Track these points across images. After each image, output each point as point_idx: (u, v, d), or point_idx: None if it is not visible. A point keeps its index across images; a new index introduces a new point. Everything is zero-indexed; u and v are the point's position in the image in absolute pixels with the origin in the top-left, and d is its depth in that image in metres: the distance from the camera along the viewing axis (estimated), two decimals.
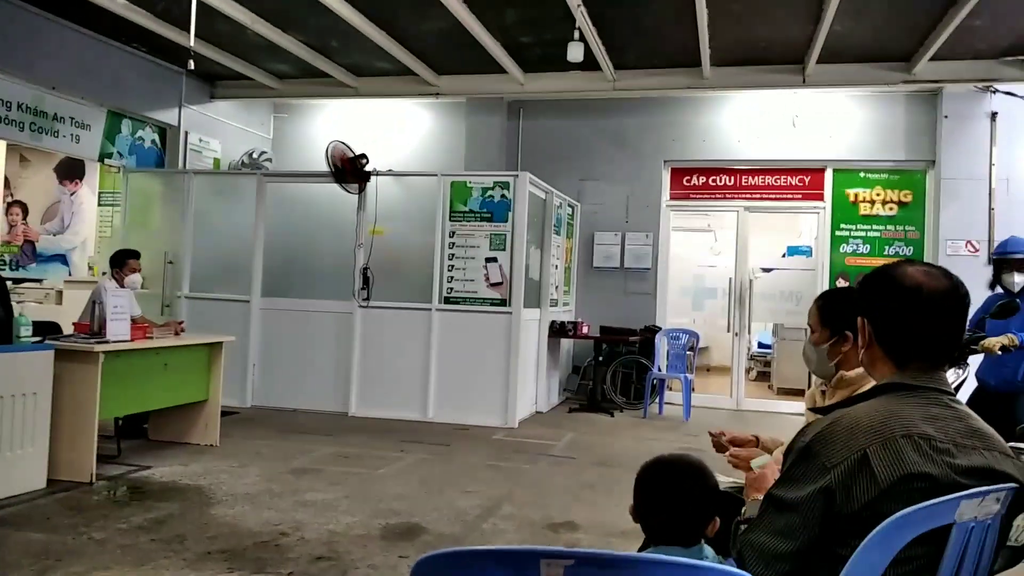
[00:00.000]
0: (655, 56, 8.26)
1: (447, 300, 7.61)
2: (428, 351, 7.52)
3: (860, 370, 2.34)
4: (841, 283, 8.75)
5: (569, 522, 4.42)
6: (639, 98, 9.26)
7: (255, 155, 9.97)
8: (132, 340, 5.18)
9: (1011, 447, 2.26)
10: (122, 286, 6.00)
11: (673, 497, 1.91)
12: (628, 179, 9.56)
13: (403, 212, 8.24)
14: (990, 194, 8.26)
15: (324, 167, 7.79)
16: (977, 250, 8.27)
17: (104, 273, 6.41)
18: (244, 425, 6.89)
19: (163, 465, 5.32)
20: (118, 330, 5.07)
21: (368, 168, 7.85)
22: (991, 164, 8.27)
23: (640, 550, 1.91)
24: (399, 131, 10.11)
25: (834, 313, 2.53)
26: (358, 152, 7.87)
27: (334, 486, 4.99)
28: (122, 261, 6.23)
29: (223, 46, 8.38)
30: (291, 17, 7.51)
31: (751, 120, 9.28)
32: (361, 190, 7.86)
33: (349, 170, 7.77)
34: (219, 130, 9.83)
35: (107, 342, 4.93)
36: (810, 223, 9.93)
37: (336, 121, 10.22)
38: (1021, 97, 8.16)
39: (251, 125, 10.41)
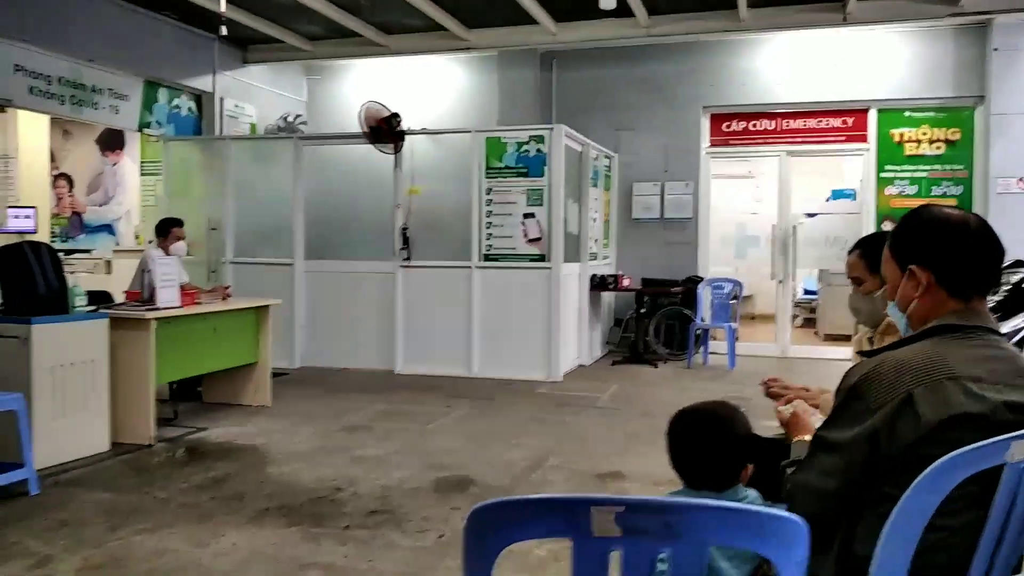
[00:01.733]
0: None
1: (486, 257, 7.63)
2: (470, 308, 7.58)
3: None
4: (888, 226, 8.56)
5: (616, 472, 4.47)
6: (674, 43, 9.06)
7: (290, 119, 10.01)
8: (182, 306, 5.30)
9: None
10: (168, 254, 6.12)
11: (701, 445, 1.96)
12: (665, 127, 9.41)
13: (439, 170, 8.24)
14: None
15: (359, 128, 7.81)
16: None
17: (150, 242, 6.55)
18: (294, 386, 7.05)
19: (218, 426, 5.49)
20: (168, 297, 5.20)
21: (402, 127, 7.85)
22: None
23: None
24: (432, 88, 10.05)
25: (877, 257, 2.50)
26: (391, 112, 7.86)
27: (384, 442, 5.10)
28: (167, 229, 6.35)
29: (254, 10, 8.38)
30: None
31: (791, 62, 9.04)
32: (396, 150, 7.87)
33: (384, 130, 7.78)
34: (254, 95, 9.89)
35: (158, 309, 5.06)
36: (854, 166, 9.72)
37: (369, 81, 10.19)
38: None
39: (285, 89, 10.44)
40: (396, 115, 7.80)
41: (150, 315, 4.93)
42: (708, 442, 1.94)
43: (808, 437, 2.01)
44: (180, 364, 5.45)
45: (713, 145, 9.47)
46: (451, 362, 7.62)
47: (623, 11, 7.89)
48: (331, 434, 5.31)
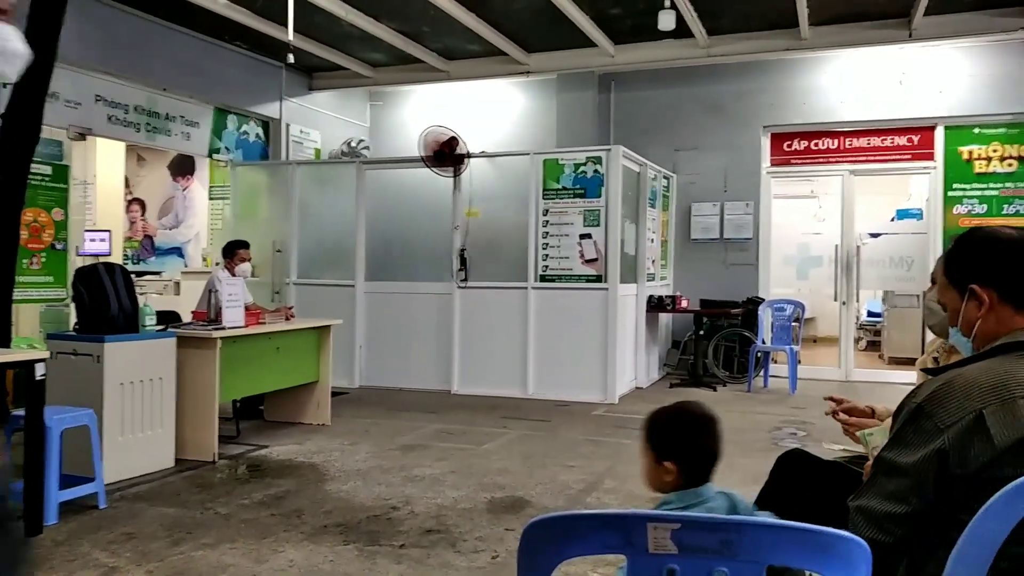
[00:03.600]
0: (750, 19, 8.00)
1: (543, 278, 7.65)
2: (526, 329, 7.59)
3: None
4: (1008, 229, 8.29)
5: None
6: (734, 63, 9.00)
7: (353, 143, 10.24)
8: (246, 326, 5.44)
9: None
10: (234, 275, 6.29)
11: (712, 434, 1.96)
12: (725, 147, 9.33)
13: (497, 193, 8.31)
14: None
15: (419, 152, 7.94)
16: None
17: (217, 263, 6.76)
18: (353, 405, 7.15)
19: (279, 444, 5.59)
20: (233, 317, 5.34)
21: (461, 151, 7.95)
22: None
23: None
24: (491, 112, 10.17)
25: None
26: (451, 135, 7.97)
27: (440, 461, 5.12)
28: (233, 251, 6.53)
29: (319, 38, 8.63)
30: (384, 6, 7.66)
31: (854, 79, 8.88)
32: (456, 173, 7.97)
33: (445, 154, 7.89)
34: (318, 121, 10.15)
35: (223, 328, 5.19)
36: (920, 184, 9.46)
37: (429, 106, 10.36)
38: None
39: (348, 114, 10.69)
40: (454, 139, 7.91)
41: (216, 334, 5.07)
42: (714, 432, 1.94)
43: None
44: (243, 382, 5.58)
45: (774, 164, 9.35)
46: (507, 383, 7.64)
47: (682, 32, 7.88)
48: (388, 453, 5.35)
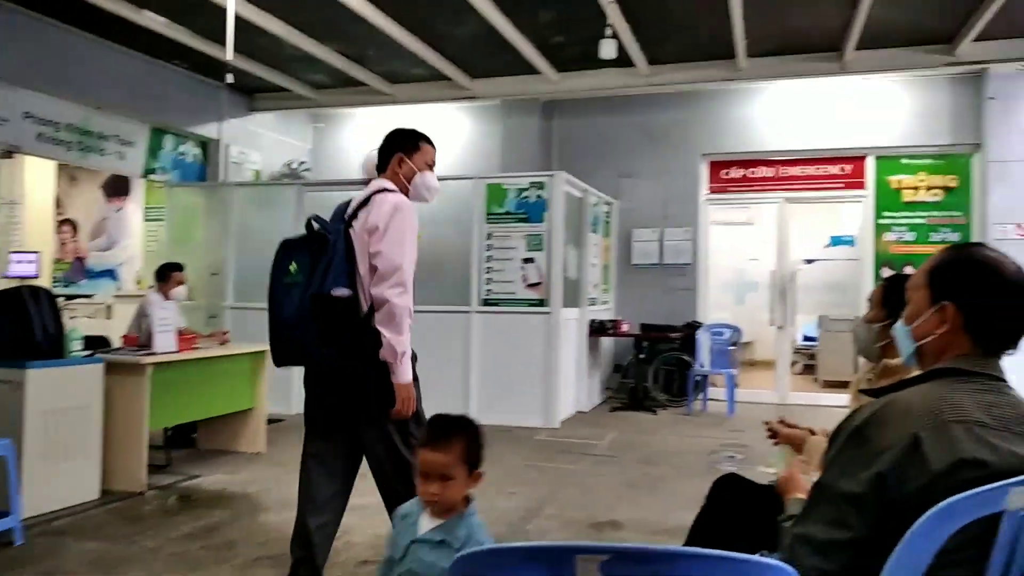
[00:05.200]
0: (689, 49, 8.18)
1: (485, 302, 7.63)
2: (468, 353, 7.55)
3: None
4: (887, 272, 8.56)
5: (613, 521, 4.40)
6: (675, 92, 9.18)
7: (294, 165, 10.12)
8: (179, 351, 5.28)
9: None
10: (168, 299, 6.13)
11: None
12: (665, 174, 9.49)
13: (440, 216, 8.26)
14: None
15: (361, 175, 7.87)
16: None
17: (151, 287, 6.56)
18: (291, 432, 6.97)
19: (212, 473, 5.42)
20: (165, 342, 5.18)
21: None
22: None
23: None
24: (435, 136, 10.07)
25: (896, 297, 2.47)
26: None
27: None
28: (167, 274, 6.36)
29: (261, 59, 8.53)
30: (327, 28, 7.60)
31: (789, 110, 9.15)
32: None
33: None
34: (259, 142, 10.01)
35: (154, 354, 5.04)
36: (853, 212, 9.75)
37: (373, 128, 10.29)
38: None
39: (290, 136, 10.57)
40: None
41: (146, 360, 4.91)
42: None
43: (800, 493, 1.96)
44: (175, 410, 5.41)
45: (712, 192, 9.54)
46: (447, 408, 7.31)
47: (624, 61, 8.02)
48: None
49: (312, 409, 3.14)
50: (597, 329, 8.56)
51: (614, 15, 6.81)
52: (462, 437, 2.03)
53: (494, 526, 4.28)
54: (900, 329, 1.82)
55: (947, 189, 8.70)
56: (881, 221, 8.91)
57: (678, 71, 8.58)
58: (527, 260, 7.57)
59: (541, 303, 7.48)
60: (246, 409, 6.09)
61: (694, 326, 8.91)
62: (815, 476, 2.15)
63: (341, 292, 2.80)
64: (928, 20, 7.27)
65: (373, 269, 2.84)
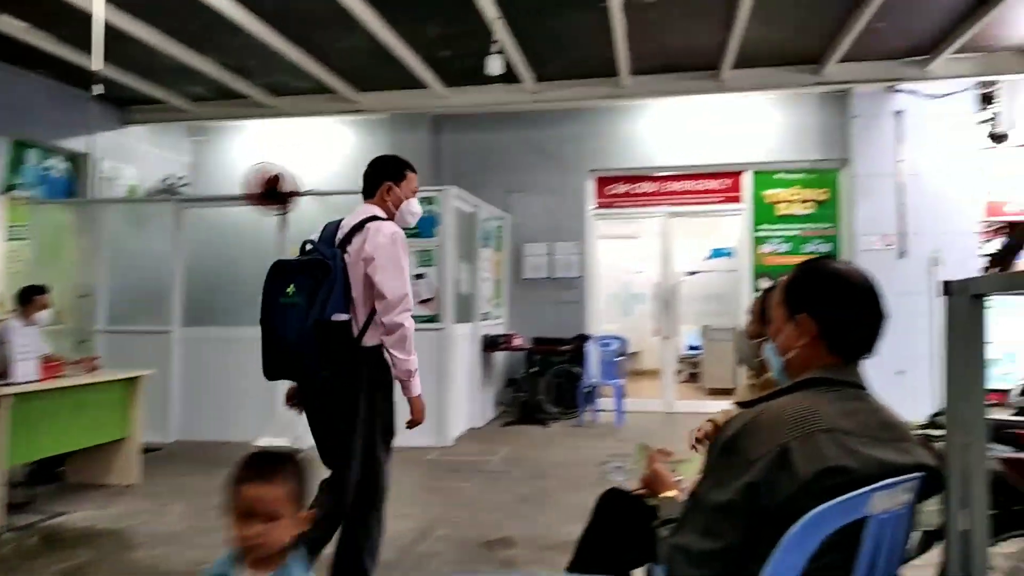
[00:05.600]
0: (575, 67, 8.32)
1: None
2: None
3: None
4: (764, 282, 8.94)
5: (504, 538, 4.37)
6: (562, 109, 9.33)
7: (172, 181, 9.68)
8: (41, 380, 4.93)
9: (922, 434, 2.32)
10: (29, 324, 5.71)
11: None
12: (554, 189, 9.62)
13: None
14: (900, 190, 8.56)
15: (244, 190, 7.60)
16: (890, 244, 8.55)
17: (12, 311, 6.10)
18: (167, 462, 6.63)
19: (79, 509, 5.06)
20: (25, 370, 4.82)
21: (289, 188, 7.68)
22: (899, 161, 8.58)
23: None
24: (322, 150, 9.96)
25: None
26: (278, 173, 7.69)
27: None
28: (29, 297, 5.94)
29: (134, 69, 8.12)
30: (204, 38, 7.31)
31: (671, 127, 9.44)
32: (283, 212, 7.69)
33: (274, 192, 7.60)
34: (134, 156, 9.52)
35: (14, 384, 4.67)
36: (732, 225, 10.15)
37: (257, 142, 10.01)
38: (923, 95, 8.50)
39: (167, 149, 10.12)
40: (277, 177, 7.62)
41: (5, 390, 4.55)
42: None
43: (673, 492, 1.99)
44: (38, 443, 5.02)
45: (599, 207, 9.73)
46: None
47: (512, 77, 8.07)
48: (204, 513, 4.97)
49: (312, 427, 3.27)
50: (490, 344, 8.55)
51: (500, 31, 6.86)
52: (291, 471, 1.81)
53: (385, 550, 4.17)
54: (769, 347, 1.89)
55: (818, 202, 9.18)
56: (758, 233, 9.31)
57: (564, 88, 8.72)
58: (418, 276, 7.48)
59: (433, 319, 7.41)
60: (118, 439, 5.73)
61: (583, 338, 9.04)
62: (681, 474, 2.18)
63: (340, 317, 3.00)
64: (797, 42, 7.66)
65: (371, 295, 3.05)
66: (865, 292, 1.74)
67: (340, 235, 3.14)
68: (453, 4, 6.51)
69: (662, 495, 2.01)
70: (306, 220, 7.80)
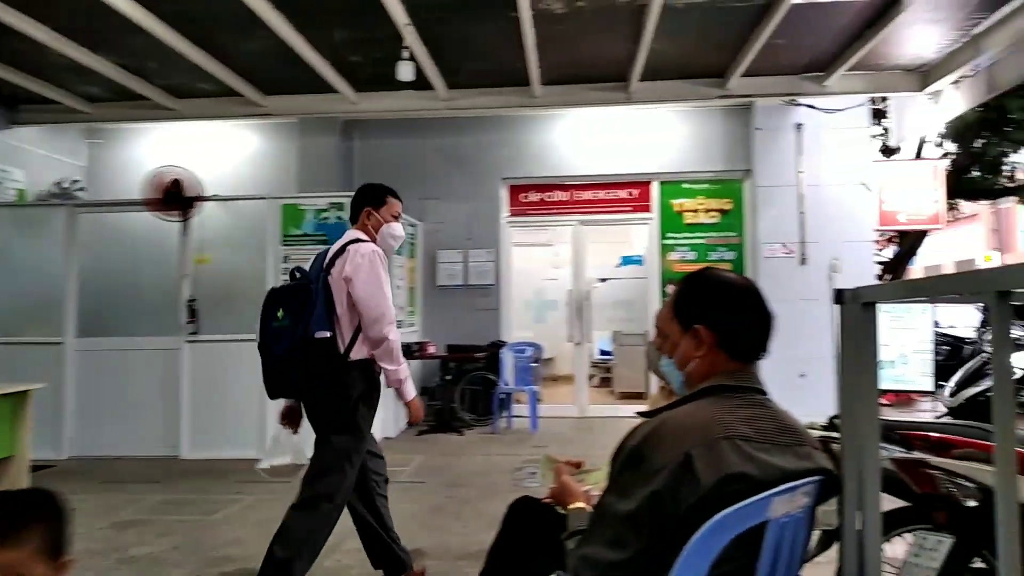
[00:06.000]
0: (488, 75, 8.33)
1: None
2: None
3: None
4: (672, 289, 9.14)
5: (416, 550, 4.30)
6: (475, 116, 9.33)
7: (65, 184, 9.22)
8: None
9: (821, 436, 2.39)
10: None
11: None
12: (468, 197, 9.60)
13: (233, 238, 7.86)
14: (799, 199, 8.90)
15: (145, 195, 7.30)
16: (791, 252, 8.88)
17: None
18: (59, 479, 6.28)
19: None
20: None
21: (191, 193, 7.43)
22: (799, 172, 8.92)
23: None
24: (228, 154, 9.67)
25: None
26: (180, 177, 7.42)
27: (163, 537, 4.63)
28: None
29: (22, 67, 7.70)
30: (100, 37, 6.99)
31: (583, 136, 9.57)
32: (185, 218, 7.42)
33: (175, 196, 7.32)
34: (23, 159, 9.02)
35: None
36: (641, 234, 10.35)
37: (159, 145, 9.64)
38: (821, 110, 8.87)
39: (61, 152, 9.63)
40: (177, 181, 7.36)
41: None
42: None
43: (581, 504, 1.99)
44: None
45: (513, 214, 9.76)
46: (245, 443, 7.13)
47: (424, 84, 8.02)
48: (98, 533, 4.73)
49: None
50: (404, 352, 8.43)
51: (411, 38, 6.80)
52: (38, 520, 1.57)
53: None
54: (665, 364, 1.92)
55: (723, 212, 9.46)
56: (666, 241, 9.52)
57: (476, 96, 8.72)
58: None
59: None
60: (4, 457, 5.38)
61: (498, 345, 9.05)
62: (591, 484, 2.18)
63: (323, 335, 3.33)
64: (702, 56, 7.87)
65: (355, 313, 3.34)
66: (752, 296, 1.83)
67: (326, 260, 3.43)
68: (362, 9, 6.42)
69: (570, 507, 2.01)
70: (210, 226, 7.58)
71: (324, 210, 7.42)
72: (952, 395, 5.31)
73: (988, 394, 5.14)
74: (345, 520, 4.94)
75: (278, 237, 7.40)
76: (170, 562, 4.14)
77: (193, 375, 7.25)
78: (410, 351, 8.48)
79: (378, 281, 3.34)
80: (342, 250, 3.40)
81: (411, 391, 3.54)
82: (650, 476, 1.58)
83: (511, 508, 2.55)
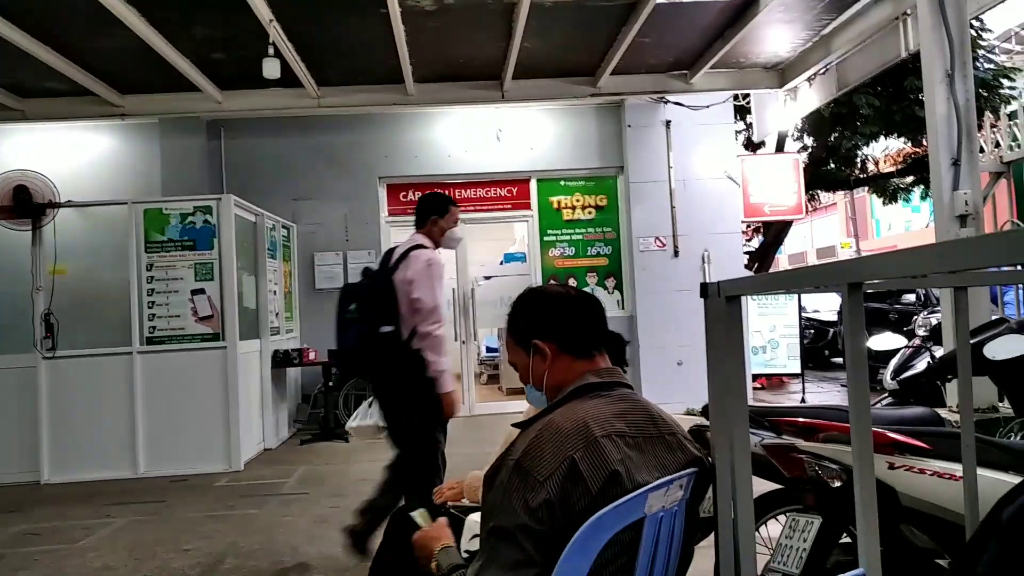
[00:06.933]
0: (359, 73, 8.18)
1: (150, 340, 6.89)
2: (132, 399, 6.76)
3: None
4: (553, 283, 9.27)
5: (301, 564, 4.17)
6: (348, 115, 9.14)
7: None
8: None
9: (697, 425, 2.46)
10: None
11: None
12: (345, 197, 9.39)
13: (91, 247, 7.36)
14: (671, 194, 9.20)
15: None
16: (664, 245, 9.17)
17: None
18: None
19: None
20: None
21: (42, 200, 6.91)
22: (669, 167, 9.22)
23: None
24: (83, 157, 9.07)
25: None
26: (29, 183, 6.90)
27: (22, 571, 4.28)
28: None
29: None
30: None
31: (459, 135, 9.54)
32: (36, 226, 6.91)
33: (17, 205, 6.80)
34: None
35: None
36: (522, 231, 10.43)
37: (7, 148, 8.92)
38: (687, 107, 9.19)
39: None
40: (22, 187, 6.84)
41: None
42: None
43: (447, 541, 1.92)
44: None
45: (392, 214, 9.62)
46: (113, 463, 6.72)
47: (292, 82, 7.79)
48: None
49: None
50: (282, 360, 8.17)
51: (276, 35, 6.58)
52: None
53: None
54: (529, 392, 1.95)
55: (599, 208, 9.65)
56: (546, 238, 9.63)
57: (348, 94, 8.55)
58: (197, 291, 6.98)
59: (216, 337, 6.95)
60: None
61: None
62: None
63: (386, 329, 3.74)
64: (573, 54, 8.01)
65: (413, 310, 3.72)
66: (568, 296, 1.92)
67: (392, 260, 3.92)
68: (223, 5, 6.17)
69: (440, 548, 1.91)
70: (67, 233, 7.08)
71: (190, 214, 7.07)
72: (893, 379, 5.62)
73: (922, 378, 5.47)
74: (221, 535, 4.74)
75: (141, 244, 6.99)
76: None
77: (52, 393, 6.76)
78: (288, 358, 8.22)
79: (432, 284, 3.80)
80: (405, 255, 3.90)
81: (448, 384, 3.77)
82: (538, 487, 1.56)
83: (393, 517, 2.50)
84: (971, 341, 1.84)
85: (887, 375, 5.75)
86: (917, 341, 6.27)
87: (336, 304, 3.90)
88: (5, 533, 5.12)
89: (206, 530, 4.96)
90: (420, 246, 3.96)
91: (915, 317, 8.91)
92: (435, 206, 4.15)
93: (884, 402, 5.61)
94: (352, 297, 3.92)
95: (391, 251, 4.04)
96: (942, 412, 2.77)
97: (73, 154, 9.02)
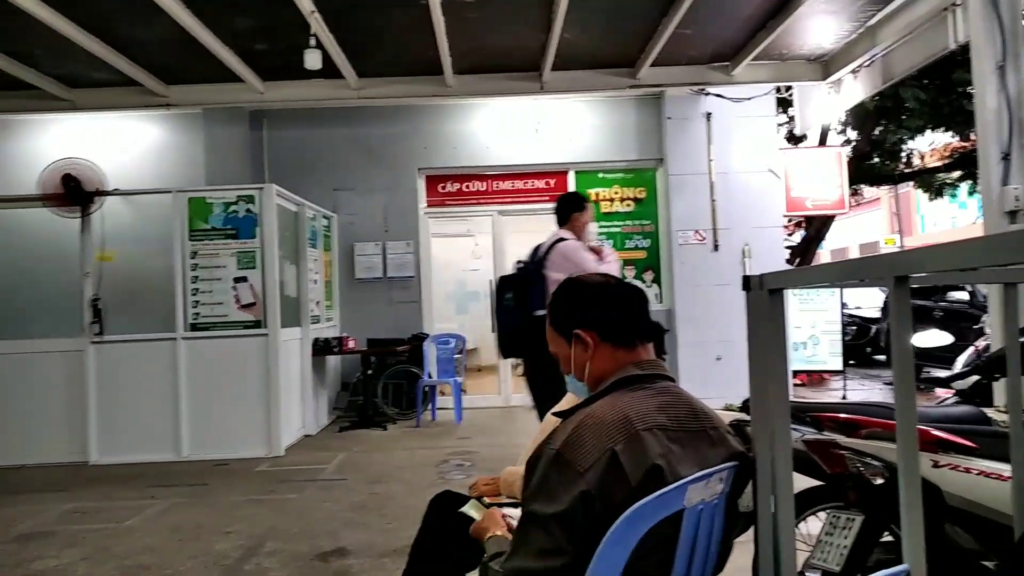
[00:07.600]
0: (398, 64, 8.21)
1: (194, 327, 7.04)
2: (177, 384, 6.92)
3: None
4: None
5: (340, 548, 4.23)
6: (389, 106, 9.19)
7: None
8: None
9: (736, 419, 2.44)
10: None
11: None
12: (384, 188, 9.46)
13: (137, 234, 7.54)
14: (711, 187, 9.11)
15: (39, 189, 6.93)
16: (703, 238, 9.09)
17: None
18: None
19: None
20: None
21: (90, 188, 7.08)
22: (709, 160, 9.13)
23: None
24: (130, 147, 9.24)
25: None
26: (79, 171, 7.06)
27: (70, 549, 4.41)
28: None
29: None
30: None
31: (499, 126, 9.54)
32: (85, 213, 7.08)
33: (68, 193, 6.97)
34: None
35: None
36: None
37: (57, 137, 9.13)
38: (728, 99, 9.08)
39: None
40: (70, 176, 7.00)
41: None
42: None
43: (500, 532, 1.96)
44: None
45: (430, 205, 9.67)
46: (157, 446, 6.88)
47: (333, 73, 7.85)
48: None
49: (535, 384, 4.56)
50: (322, 348, 8.28)
51: (317, 25, 6.64)
52: None
53: (207, 572, 3.94)
54: (570, 382, 1.95)
55: (637, 200, 9.59)
56: None
57: (388, 85, 8.59)
58: (239, 279, 7.10)
59: (257, 324, 7.06)
60: None
61: (420, 338, 8.96)
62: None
63: (540, 313, 4.02)
64: (612, 46, 7.95)
65: None
66: (608, 284, 1.91)
67: (540, 252, 4.48)
68: None
69: (490, 536, 1.97)
70: (113, 221, 7.25)
71: (233, 203, 7.19)
72: (961, 378, 5.55)
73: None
74: (262, 520, 4.83)
75: (185, 232, 7.12)
76: (78, 574, 3.95)
77: (100, 377, 6.94)
78: (328, 346, 8.32)
79: (580, 266, 4.23)
80: (552, 247, 4.43)
81: None
82: (577, 477, 1.56)
83: (432, 503, 2.52)
84: (1020, 339, 1.80)
85: (957, 367, 5.63)
86: (983, 342, 6.13)
87: (495, 293, 4.56)
88: (55, 511, 5.27)
89: (247, 513, 5.06)
90: (562, 239, 4.53)
91: (983, 316, 8.70)
92: (575, 204, 4.77)
93: (949, 401, 5.52)
94: (507, 286, 4.47)
95: (539, 245, 4.62)
96: (988, 411, 2.71)
97: (119, 144, 9.20)
